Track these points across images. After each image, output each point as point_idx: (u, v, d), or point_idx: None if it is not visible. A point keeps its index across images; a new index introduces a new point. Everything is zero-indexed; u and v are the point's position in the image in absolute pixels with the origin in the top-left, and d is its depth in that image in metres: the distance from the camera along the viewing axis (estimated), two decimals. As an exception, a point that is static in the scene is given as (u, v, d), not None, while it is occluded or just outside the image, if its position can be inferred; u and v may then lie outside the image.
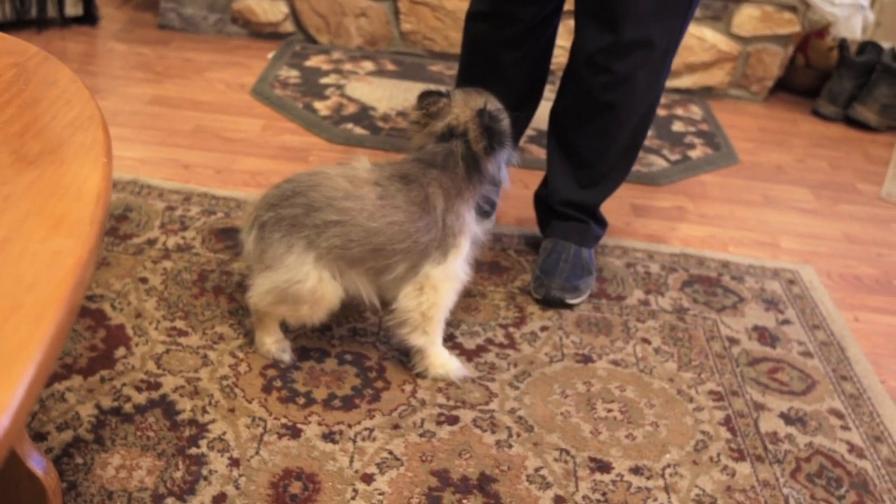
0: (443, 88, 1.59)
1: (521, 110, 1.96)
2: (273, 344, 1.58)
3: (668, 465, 1.47)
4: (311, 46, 3.20)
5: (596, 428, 1.54)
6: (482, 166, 1.53)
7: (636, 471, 1.45)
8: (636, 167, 2.58)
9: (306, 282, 1.44)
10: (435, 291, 1.53)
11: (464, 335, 1.73)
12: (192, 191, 2.11)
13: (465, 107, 1.54)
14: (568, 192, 1.93)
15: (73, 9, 3.07)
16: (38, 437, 1.36)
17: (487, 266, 1.97)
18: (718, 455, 1.51)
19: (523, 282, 1.93)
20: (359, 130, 2.57)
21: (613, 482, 1.43)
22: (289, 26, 3.22)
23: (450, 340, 1.71)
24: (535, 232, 2.10)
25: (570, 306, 1.85)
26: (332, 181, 1.46)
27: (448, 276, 1.54)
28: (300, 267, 1.44)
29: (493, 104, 1.57)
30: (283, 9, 3.19)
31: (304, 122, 2.59)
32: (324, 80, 2.91)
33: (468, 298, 1.84)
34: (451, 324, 1.76)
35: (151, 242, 1.88)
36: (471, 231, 1.55)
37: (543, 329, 1.78)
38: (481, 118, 1.50)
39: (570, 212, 1.94)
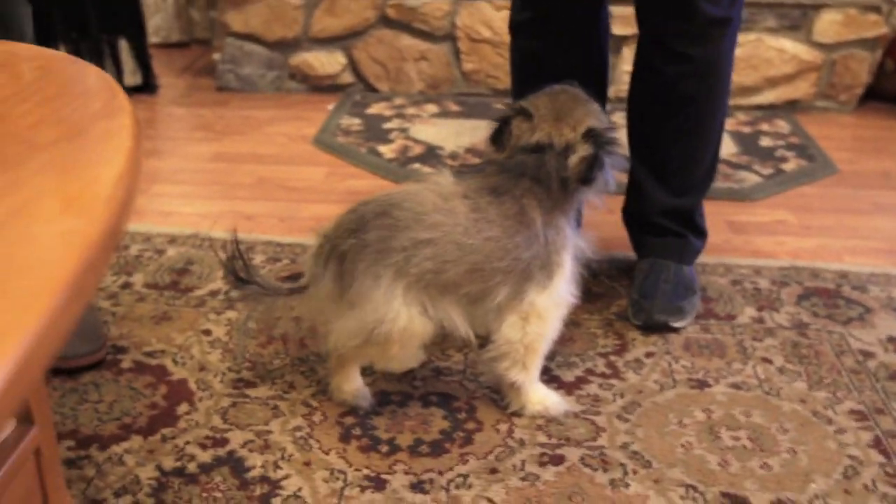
0: (514, 105, 1.42)
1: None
2: (351, 391, 1.42)
3: (817, 496, 1.25)
4: (372, 95, 3.10)
5: (724, 459, 1.33)
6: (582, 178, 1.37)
7: (779, 506, 1.24)
8: (726, 184, 2.39)
9: (398, 320, 1.26)
10: (541, 321, 1.36)
11: (560, 367, 1.55)
12: (255, 240, 2.00)
13: (557, 122, 1.36)
14: (661, 201, 1.74)
15: (131, 78, 3.05)
16: (95, 504, 1.21)
17: (580, 294, 1.79)
18: (874, 482, 1.28)
19: (619, 307, 1.74)
20: (427, 170, 2.44)
21: (754, 520, 1.21)
22: (347, 77, 3.14)
23: (545, 374, 1.52)
24: (626, 255, 1.92)
25: (676, 329, 1.66)
26: (417, 195, 1.30)
27: (555, 301, 1.36)
28: (390, 302, 1.26)
29: (597, 118, 1.40)
30: (341, 60, 3.11)
31: (369, 165, 2.47)
32: (387, 125, 2.80)
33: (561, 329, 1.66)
34: (546, 356, 1.57)
35: (214, 294, 1.76)
36: (573, 246, 1.38)
37: (649, 355, 1.59)
38: (593, 141, 1.34)
39: (666, 223, 1.75)
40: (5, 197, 0.57)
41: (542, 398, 1.42)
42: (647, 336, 1.64)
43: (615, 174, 1.40)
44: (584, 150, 1.34)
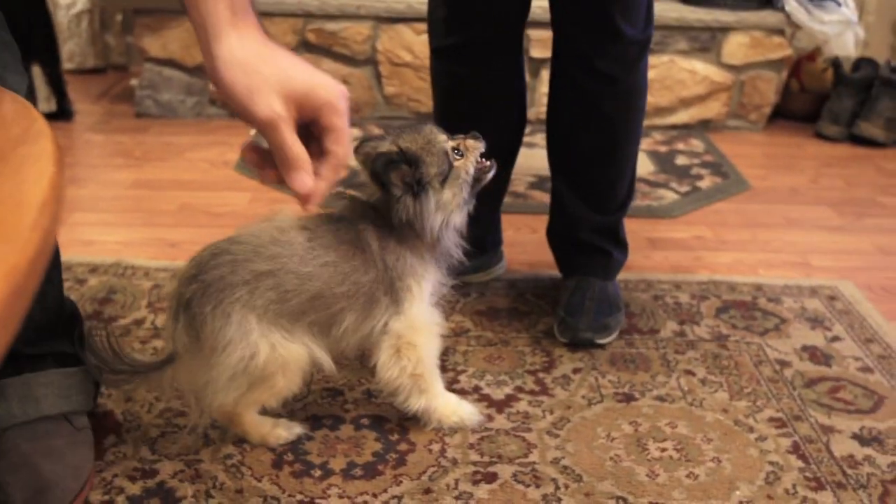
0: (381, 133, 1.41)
1: (514, 140, 1.84)
2: (272, 430, 1.39)
3: (741, 503, 1.29)
4: (294, 119, 3.09)
5: (652, 470, 1.36)
6: (404, 214, 1.30)
7: (705, 513, 1.27)
8: (645, 202, 2.45)
9: (260, 353, 1.24)
10: (413, 348, 1.34)
11: (490, 385, 1.56)
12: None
13: (391, 145, 1.32)
14: (586, 219, 1.77)
15: (46, 105, 2.97)
16: (19, 542, 1.17)
17: (506, 313, 1.81)
18: (794, 486, 1.33)
19: (546, 325, 1.77)
20: (352, 192, 2.43)
21: (682, 528, 1.24)
22: (269, 102, 3.12)
23: (476, 392, 1.54)
24: (550, 274, 1.95)
25: (601, 346, 1.69)
26: (253, 231, 1.29)
27: (415, 326, 1.34)
28: (246, 336, 1.24)
29: (421, 150, 1.31)
30: (262, 84, 3.09)
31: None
32: (310, 150, 2.79)
33: (489, 348, 1.68)
34: (475, 375, 1.59)
35: (139, 322, 1.72)
36: (423, 275, 1.34)
37: (576, 371, 1.62)
38: (371, 163, 1.30)
39: (591, 240, 1.79)
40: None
41: (454, 410, 1.43)
42: (573, 352, 1.67)
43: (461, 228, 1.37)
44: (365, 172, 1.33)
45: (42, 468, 1.22)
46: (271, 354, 1.25)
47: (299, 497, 1.28)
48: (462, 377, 1.59)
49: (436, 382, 1.41)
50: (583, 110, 1.69)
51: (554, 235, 1.88)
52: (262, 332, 1.25)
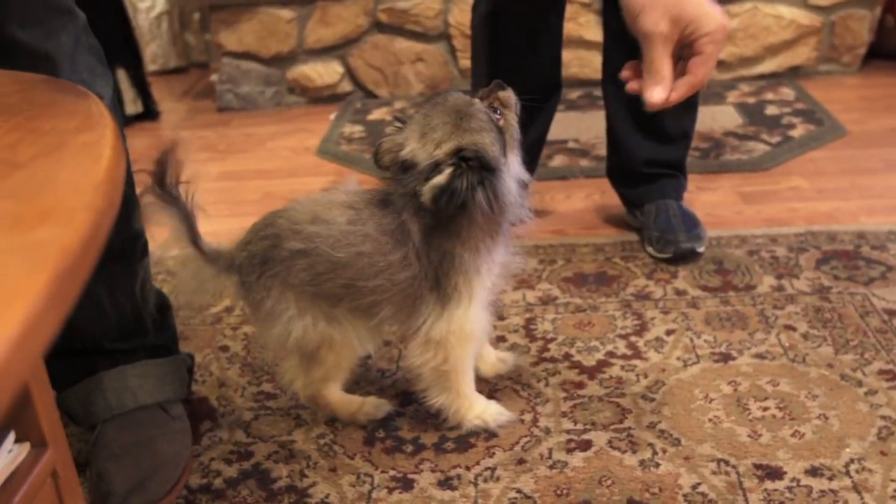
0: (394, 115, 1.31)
1: (554, 91, 1.93)
2: (360, 409, 1.39)
3: (852, 461, 1.23)
4: (372, 101, 3.09)
5: (754, 430, 1.30)
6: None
7: (814, 472, 1.21)
8: (735, 155, 2.36)
9: (293, 332, 1.24)
10: (442, 349, 1.26)
11: (581, 352, 1.53)
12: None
13: (422, 137, 1.20)
14: (650, 150, 1.85)
15: (132, 107, 3.05)
16: (124, 528, 1.20)
17: (594, 277, 1.77)
18: (910, 440, 1.26)
19: (636, 288, 1.72)
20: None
21: (790, 489, 1.19)
22: (346, 85, 3.13)
23: (566, 360, 1.51)
24: (635, 238, 1.90)
25: (700, 254, 1.79)
26: (300, 205, 1.25)
27: (454, 331, 1.24)
28: (283, 313, 1.23)
29: (473, 135, 1.18)
30: (338, 69, 3.11)
31: (374, 171, 2.46)
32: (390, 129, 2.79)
33: (578, 314, 1.64)
34: (565, 342, 1.56)
35: (229, 310, 1.75)
36: (476, 272, 1.23)
37: (669, 333, 1.56)
38: (454, 164, 1.15)
39: (658, 170, 1.86)
40: (-16, 215, 0.56)
41: (479, 412, 1.35)
42: (666, 314, 1.62)
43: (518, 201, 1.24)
44: (442, 176, 1.15)
45: (142, 457, 1.25)
46: (305, 334, 1.25)
47: (392, 473, 1.27)
48: (552, 345, 1.55)
49: (463, 383, 1.32)
50: None
51: (615, 169, 1.95)
52: (298, 311, 1.24)
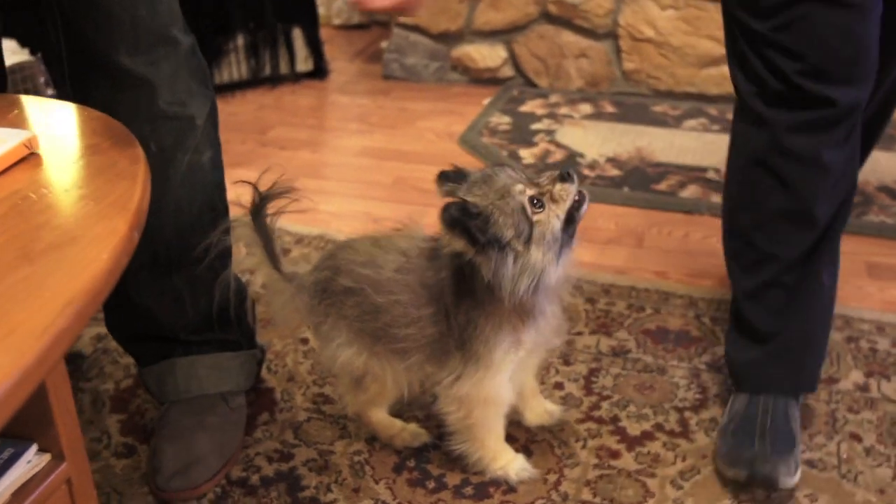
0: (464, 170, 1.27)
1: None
2: (399, 434, 1.47)
3: None
4: (529, 90, 3.11)
5: (769, 547, 1.28)
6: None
7: None
8: (879, 217, 2.22)
9: (341, 356, 1.33)
10: (465, 406, 1.31)
11: (630, 418, 1.54)
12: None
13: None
14: None
15: (304, 64, 3.22)
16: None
17: (675, 336, 1.75)
18: None
19: (713, 356, 1.69)
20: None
21: None
22: (508, 71, 3.16)
23: (612, 423, 1.52)
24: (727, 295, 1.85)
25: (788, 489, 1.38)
26: (362, 244, 1.33)
27: (472, 394, 1.29)
28: (334, 340, 1.33)
29: (482, 195, 1.18)
30: (502, 53, 3.13)
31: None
32: (535, 126, 2.80)
33: (643, 374, 1.64)
34: (619, 403, 1.57)
35: (321, 301, 1.87)
36: (496, 344, 1.25)
37: (726, 416, 1.54)
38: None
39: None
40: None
41: (504, 464, 1.39)
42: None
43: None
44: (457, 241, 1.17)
45: (193, 443, 1.39)
46: (351, 362, 1.34)
47: (407, 507, 1.36)
48: (604, 404, 1.57)
49: (488, 437, 1.36)
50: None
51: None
52: (347, 340, 1.33)
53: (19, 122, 1.03)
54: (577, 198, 1.21)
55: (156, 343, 1.45)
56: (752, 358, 1.47)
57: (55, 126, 1.05)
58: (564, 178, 1.21)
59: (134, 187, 0.86)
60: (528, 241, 1.18)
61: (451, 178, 1.25)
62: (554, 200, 1.20)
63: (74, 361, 1.68)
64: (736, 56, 1.35)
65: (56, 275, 0.72)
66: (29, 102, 1.12)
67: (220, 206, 1.42)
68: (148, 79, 1.24)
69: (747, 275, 1.46)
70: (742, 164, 1.43)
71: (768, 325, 1.45)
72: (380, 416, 1.47)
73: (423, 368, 1.32)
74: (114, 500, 1.37)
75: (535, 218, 1.19)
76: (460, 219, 1.15)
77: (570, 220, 1.21)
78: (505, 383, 1.31)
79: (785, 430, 1.40)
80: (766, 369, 1.46)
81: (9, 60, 2.08)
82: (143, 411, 1.56)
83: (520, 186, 1.19)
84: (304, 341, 1.74)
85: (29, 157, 0.94)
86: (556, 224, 1.20)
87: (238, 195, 1.38)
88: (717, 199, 2.31)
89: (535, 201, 1.19)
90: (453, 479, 1.41)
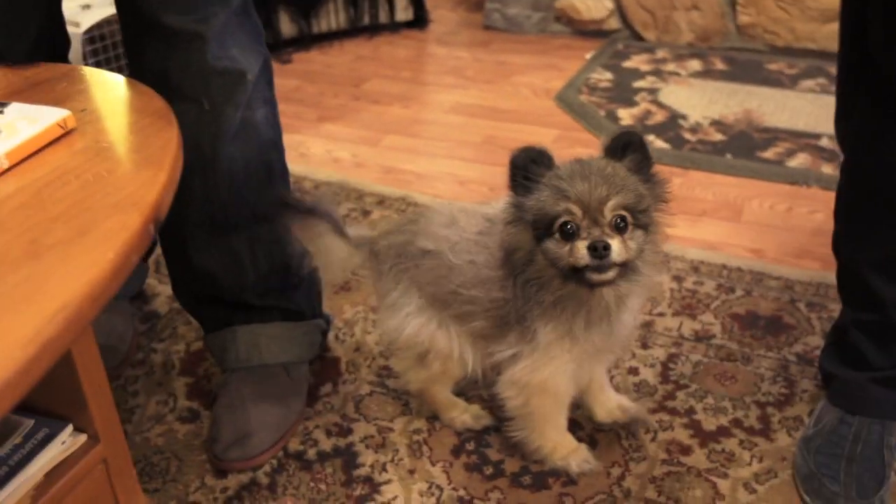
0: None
1: None
2: (460, 415, 1.43)
3: None
4: (635, 45, 2.95)
5: (845, 566, 1.19)
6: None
7: None
8: None
9: (408, 327, 1.29)
10: (522, 393, 1.26)
11: (706, 411, 1.45)
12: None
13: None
14: None
15: (403, 14, 3.15)
16: (219, 474, 1.36)
17: (765, 321, 1.64)
18: None
19: (805, 347, 1.57)
20: (659, 144, 2.30)
21: None
22: (614, 23, 3.01)
23: (687, 416, 1.44)
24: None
25: None
26: (445, 208, 1.29)
27: (529, 379, 1.23)
28: (402, 308, 1.29)
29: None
30: (608, 5, 2.98)
31: (601, 132, 2.39)
32: (637, 84, 2.66)
33: (726, 363, 1.54)
34: (695, 394, 1.48)
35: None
36: (554, 329, 1.18)
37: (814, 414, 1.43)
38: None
39: None
40: None
41: (565, 454, 1.33)
42: (822, 389, 1.47)
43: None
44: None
45: (251, 414, 1.39)
46: (418, 333, 1.29)
47: (461, 493, 1.31)
48: (680, 394, 1.48)
49: (547, 427, 1.32)
50: None
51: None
52: (417, 308, 1.29)
53: (64, 98, 1.01)
54: (590, 263, 1.08)
55: (218, 308, 1.44)
56: (852, 378, 1.35)
57: (99, 101, 1.03)
58: (595, 249, 1.07)
59: (156, 178, 0.82)
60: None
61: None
62: (582, 238, 1.08)
63: (150, 320, 1.70)
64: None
65: (57, 275, 0.70)
66: (80, 74, 1.11)
67: (276, 167, 1.38)
68: (198, 33, 1.21)
69: (860, 311, 1.34)
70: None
71: (876, 360, 1.32)
72: (442, 396, 1.43)
73: (485, 335, 1.27)
74: (173, 465, 1.38)
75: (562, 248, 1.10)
76: (525, 165, 1.11)
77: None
78: (562, 374, 1.24)
79: (877, 464, 1.28)
80: (868, 392, 1.33)
81: (96, 17, 2.10)
82: (210, 375, 1.57)
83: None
84: (375, 309, 1.71)
85: (63, 137, 0.92)
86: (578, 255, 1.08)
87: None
88: (828, 170, 2.15)
89: (569, 228, 1.09)
90: (512, 466, 1.36)
